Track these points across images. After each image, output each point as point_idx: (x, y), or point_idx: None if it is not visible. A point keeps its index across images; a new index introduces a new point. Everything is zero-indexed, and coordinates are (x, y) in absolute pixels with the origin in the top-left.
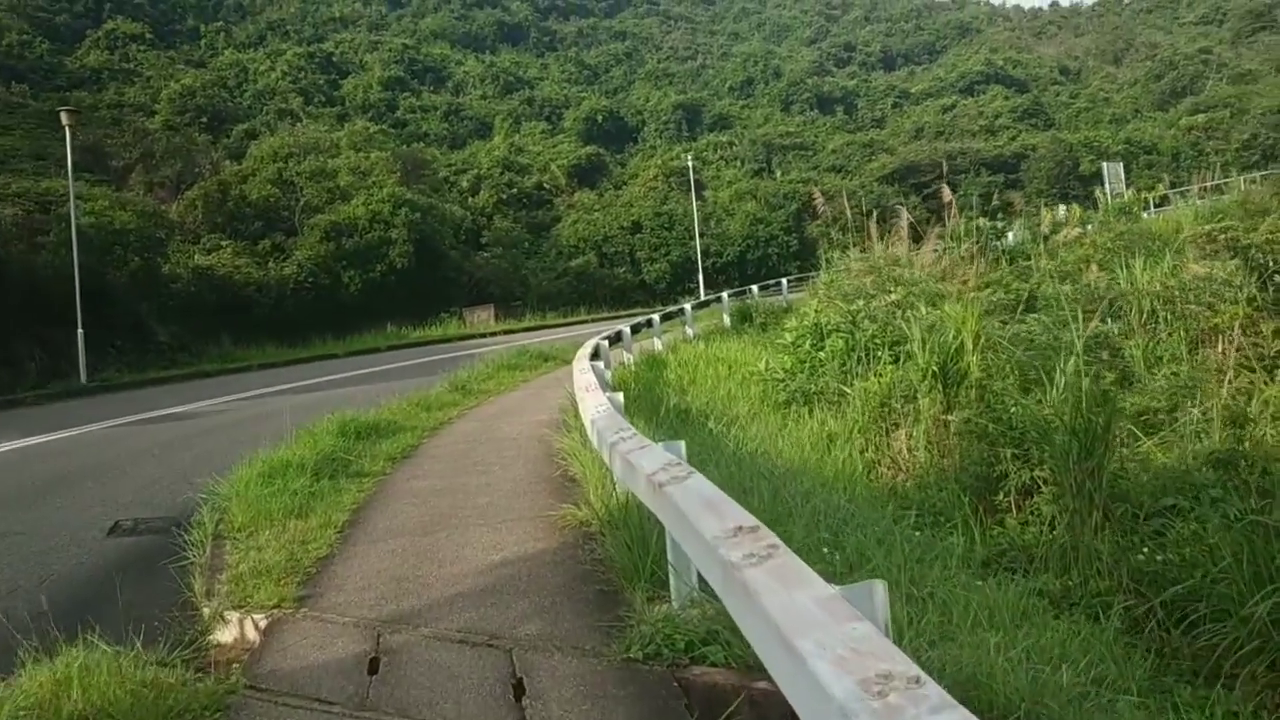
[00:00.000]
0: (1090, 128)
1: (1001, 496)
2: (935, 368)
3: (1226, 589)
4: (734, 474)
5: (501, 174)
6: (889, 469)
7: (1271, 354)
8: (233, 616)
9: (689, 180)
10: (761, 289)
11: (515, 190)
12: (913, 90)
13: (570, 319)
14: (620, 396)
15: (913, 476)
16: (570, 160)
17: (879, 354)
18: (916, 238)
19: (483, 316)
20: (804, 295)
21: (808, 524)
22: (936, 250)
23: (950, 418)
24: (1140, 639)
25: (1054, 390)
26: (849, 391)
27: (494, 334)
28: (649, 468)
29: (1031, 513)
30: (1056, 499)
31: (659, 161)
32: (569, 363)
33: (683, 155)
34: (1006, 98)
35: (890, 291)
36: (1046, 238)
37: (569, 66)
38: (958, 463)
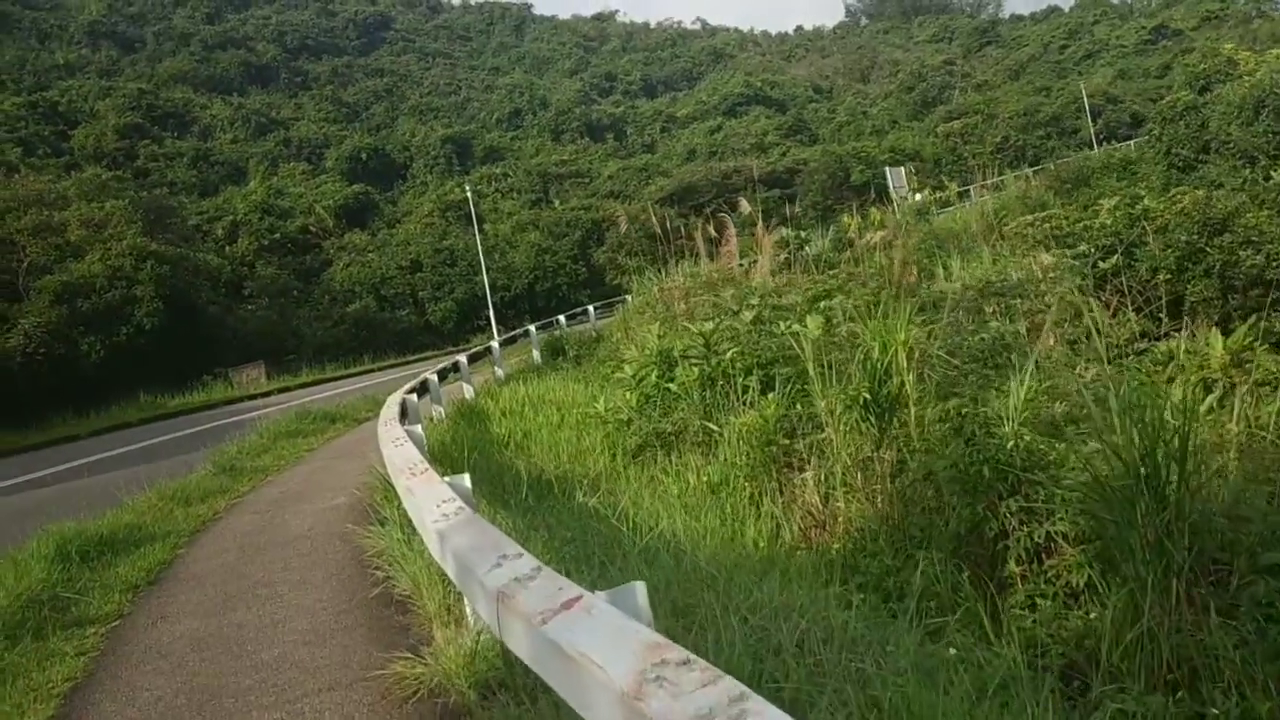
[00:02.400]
0: (854, 139)
1: (1012, 564)
2: (866, 393)
3: None
4: (660, 584)
5: (261, 219)
6: (800, 524)
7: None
8: None
9: (468, 213)
10: (569, 318)
11: (278, 235)
12: (679, 114)
13: (353, 369)
14: (466, 481)
15: (838, 535)
16: (336, 200)
17: (742, 380)
18: (710, 254)
19: (253, 375)
20: (614, 320)
21: (796, 667)
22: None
23: (883, 454)
24: None
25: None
26: (717, 429)
27: (267, 394)
28: (622, 672)
29: (1047, 581)
30: (1105, 565)
31: (433, 197)
32: (360, 423)
33: (457, 189)
34: (769, 117)
35: (750, 306)
36: (850, 243)
37: (325, 105)
38: (901, 513)
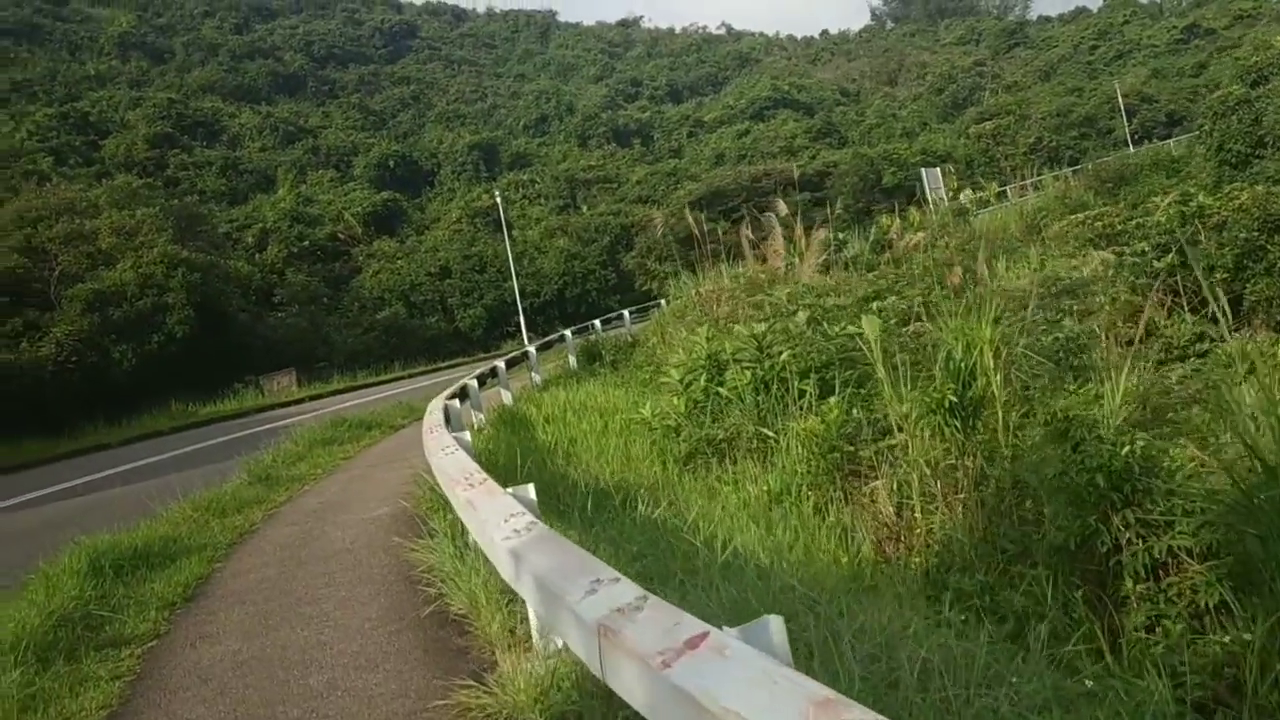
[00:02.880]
0: (885, 142)
1: (1129, 582)
2: (952, 395)
3: None
4: (753, 605)
5: (290, 226)
6: (874, 536)
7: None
8: None
9: (496, 219)
10: (604, 323)
11: (307, 242)
12: (706, 119)
13: (384, 377)
14: (531, 492)
15: (917, 548)
16: (365, 207)
17: (798, 384)
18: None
19: (284, 383)
20: (649, 325)
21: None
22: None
23: (967, 461)
24: None
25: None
26: (773, 435)
27: (299, 402)
28: None
29: (1168, 600)
30: (1239, 583)
31: (461, 203)
32: (396, 429)
33: (485, 195)
34: (796, 120)
35: (805, 306)
36: (889, 245)
37: (353, 113)
38: (988, 525)
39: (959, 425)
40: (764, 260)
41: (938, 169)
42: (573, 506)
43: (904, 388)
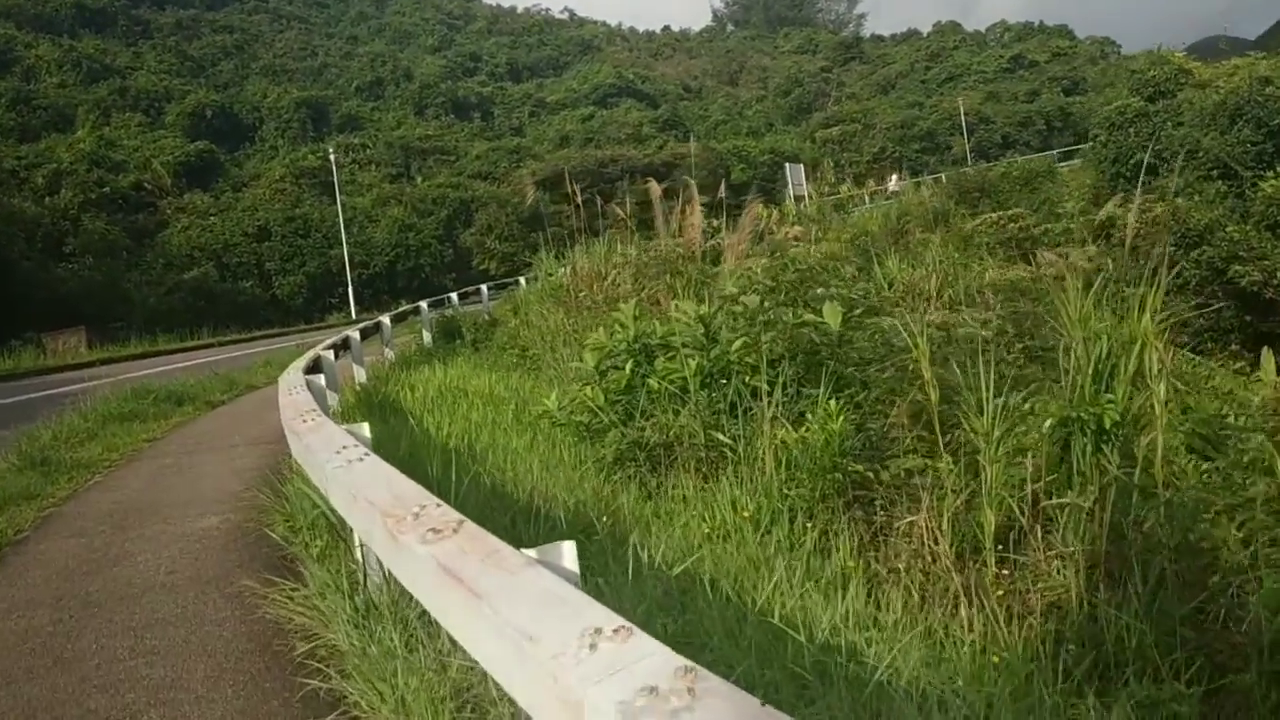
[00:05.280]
0: (731, 138)
1: None
2: (1114, 413)
3: None
4: None
5: (89, 170)
6: (919, 592)
7: None
8: None
9: (324, 181)
10: (461, 298)
11: (108, 189)
12: (549, 100)
13: (191, 343)
14: (569, 560)
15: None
16: (177, 156)
17: (753, 378)
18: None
19: (71, 343)
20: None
21: None
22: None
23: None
24: None
25: None
26: (729, 443)
27: (89, 365)
28: None
29: None
30: None
31: (286, 161)
32: (214, 406)
33: (312, 156)
34: (641, 110)
35: (781, 280)
36: (761, 236)
37: (168, 57)
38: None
39: (1093, 450)
40: (689, 233)
41: (800, 165)
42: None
43: (985, 392)
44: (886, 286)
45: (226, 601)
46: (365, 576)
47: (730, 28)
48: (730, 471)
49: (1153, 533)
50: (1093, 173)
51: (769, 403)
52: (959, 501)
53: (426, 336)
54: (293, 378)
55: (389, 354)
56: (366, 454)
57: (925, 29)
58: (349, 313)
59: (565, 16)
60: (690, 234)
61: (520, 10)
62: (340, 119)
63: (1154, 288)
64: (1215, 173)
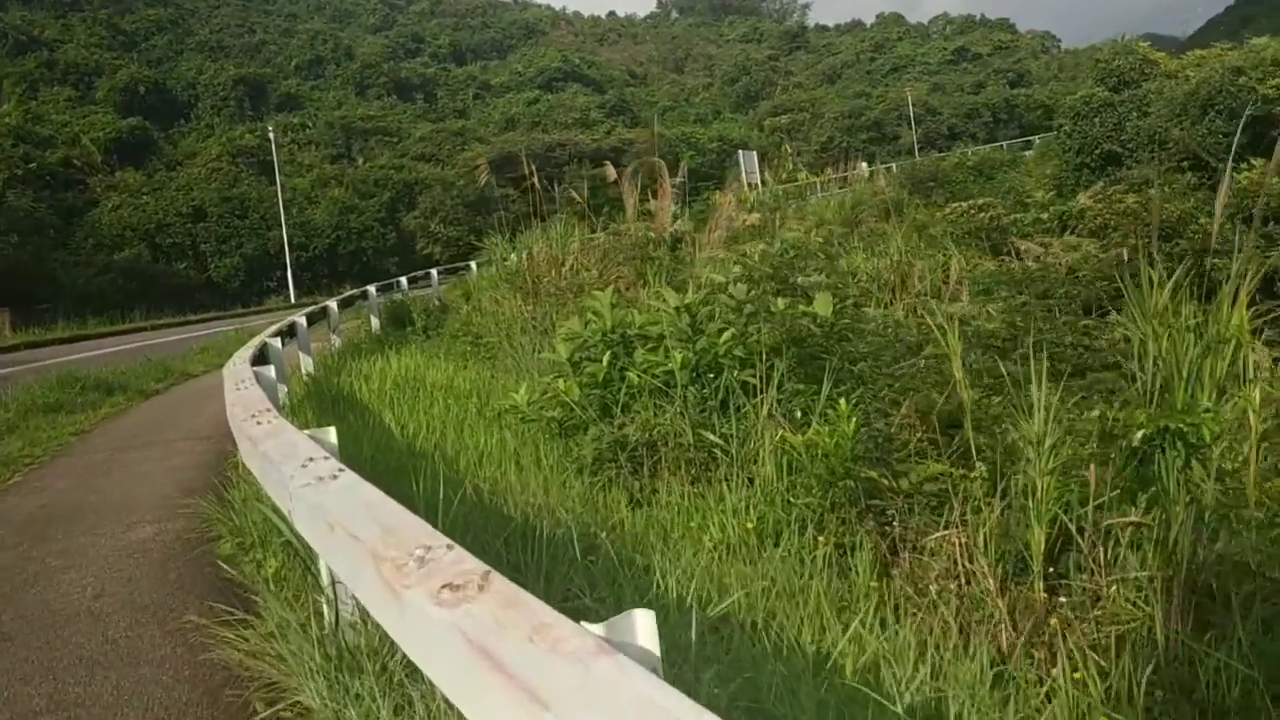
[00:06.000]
0: (679, 125)
1: None
2: (1212, 425)
3: None
4: None
5: (15, 145)
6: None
7: None
8: None
9: (261, 160)
10: (410, 282)
11: (35, 165)
12: (494, 83)
13: (122, 327)
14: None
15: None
16: (108, 133)
17: (741, 373)
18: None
19: None
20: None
21: None
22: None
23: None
24: None
25: None
26: (720, 444)
27: (12, 349)
28: None
29: None
30: None
31: (222, 140)
32: (148, 396)
33: (249, 135)
34: (588, 95)
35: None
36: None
37: (99, 30)
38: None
39: (1193, 466)
40: (659, 215)
41: (754, 152)
42: (538, 577)
43: (1036, 394)
44: (850, 278)
45: (166, 638)
46: (335, 613)
47: (675, 15)
48: (721, 474)
49: (1243, 559)
50: (1055, 162)
51: (763, 400)
52: (995, 514)
53: (375, 323)
54: (239, 369)
55: (335, 341)
56: (340, 469)
57: (869, 20)
58: (288, 296)
59: (510, 0)
60: (661, 218)
61: None
62: (279, 97)
63: (1245, 278)
64: (1186, 164)
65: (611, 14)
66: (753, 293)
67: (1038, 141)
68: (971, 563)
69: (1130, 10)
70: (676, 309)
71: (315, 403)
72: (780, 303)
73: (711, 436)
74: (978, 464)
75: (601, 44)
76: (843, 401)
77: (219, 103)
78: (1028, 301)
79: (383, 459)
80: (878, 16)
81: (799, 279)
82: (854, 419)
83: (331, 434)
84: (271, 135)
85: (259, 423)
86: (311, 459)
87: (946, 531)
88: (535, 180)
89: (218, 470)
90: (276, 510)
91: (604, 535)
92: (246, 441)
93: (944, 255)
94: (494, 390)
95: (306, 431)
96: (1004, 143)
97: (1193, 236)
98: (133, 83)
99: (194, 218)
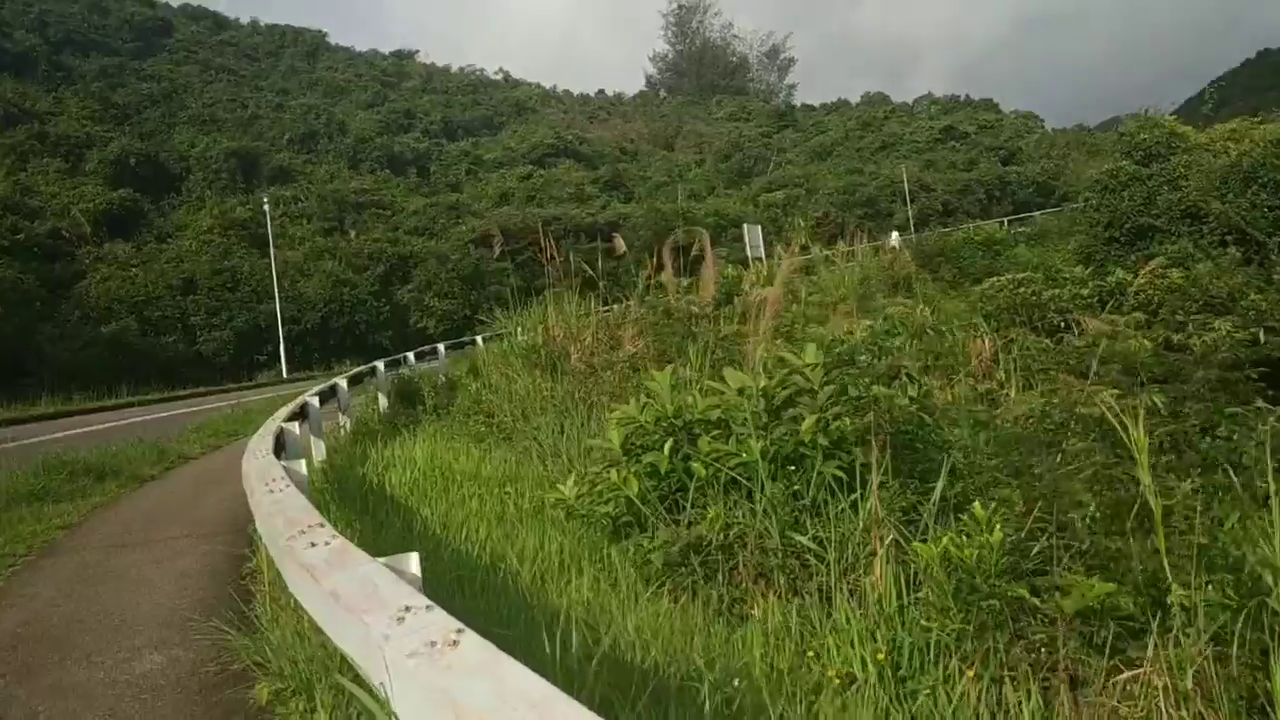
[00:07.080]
0: (673, 201)
1: None
2: None
3: None
4: None
5: (3, 216)
6: None
7: None
8: None
9: (254, 233)
10: (418, 357)
11: (23, 236)
12: (486, 158)
13: (109, 402)
14: None
15: None
16: (98, 204)
17: (829, 465)
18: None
19: None
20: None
21: None
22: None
23: None
24: None
25: None
26: (816, 549)
27: None
28: None
29: None
30: None
31: (214, 212)
32: (144, 481)
33: (241, 207)
34: (580, 170)
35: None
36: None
37: (91, 103)
38: None
39: None
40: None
41: (759, 226)
42: None
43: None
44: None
45: None
46: None
47: (663, 93)
48: (815, 586)
49: None
50: (1081, 236)
51: (866, 497)
52: (1200, 646)
53: (383, 402)
54: (266, 464)
55: (345, 422)
56: (460, 631)
57: (854, 99)
58: (280, 371)
59: (500, 78)
60: (705, 291)
61: (455, 70)
62: (271, 170)
63: None
64: (1229, 237)
65: (600, 92)
66: (837, 373)
67: (1039, 218)
68: (1179, 708)
69: (1105, 91)
70: (741, 391)
71: (339, 496)
72: (876, 387)
73: (804, 539)
74: (1174, 586)
75: (591, 121)
76: (977, 505)
77: (211, 175)
78: (1200, 389)
79: (466, 582)
80: (863, 96)
81: (904, 361)
82: (998, 526)
83: (413, 562)
84: (266, 207)
85: (312, 543)
86: (409, 608)
87: (1139, 670)
88: (554, 251)
89: (232, 578)
90: (354, 674)
91: (729, 684)
92: (300, 571)
93: (986, 333)
94: (521, 477)
95: (381, 560)
96: (1003, 219)
97: (1243, 313)
98: (124, 155)
99: (184, 290)
